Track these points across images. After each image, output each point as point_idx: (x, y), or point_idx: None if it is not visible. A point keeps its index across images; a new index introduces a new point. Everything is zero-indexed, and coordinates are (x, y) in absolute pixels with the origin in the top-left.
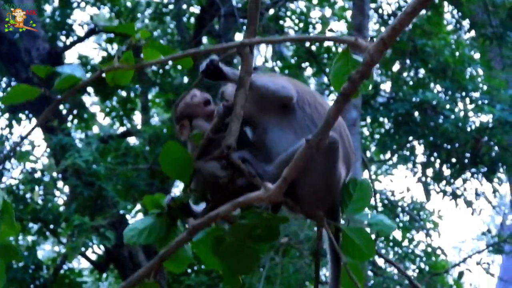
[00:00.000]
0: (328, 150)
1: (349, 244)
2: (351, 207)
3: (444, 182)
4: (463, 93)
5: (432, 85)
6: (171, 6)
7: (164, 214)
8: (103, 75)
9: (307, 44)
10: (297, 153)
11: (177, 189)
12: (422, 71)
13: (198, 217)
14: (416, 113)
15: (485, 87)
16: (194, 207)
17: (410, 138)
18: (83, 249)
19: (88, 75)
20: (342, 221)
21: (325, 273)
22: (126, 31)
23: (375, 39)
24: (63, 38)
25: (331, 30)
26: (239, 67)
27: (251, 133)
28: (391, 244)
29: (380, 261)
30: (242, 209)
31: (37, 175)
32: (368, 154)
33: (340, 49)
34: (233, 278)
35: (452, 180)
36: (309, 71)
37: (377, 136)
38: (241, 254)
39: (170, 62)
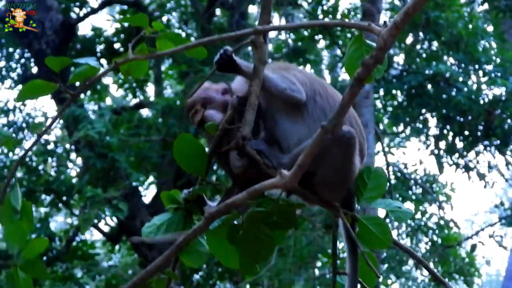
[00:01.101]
0: (346, 143)
1: (365, 232)
2: (366, 195)
3: (457, 154)
4: (476, 66)
5: (445, 57)
6: None
7: (181, 209)
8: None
9: (321, 15)
10: (312, 139)
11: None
12: (435, 44)
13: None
14: (429, 86)
15: (498, 60)
16: (209, 202)
17: (423, 110)
18: (95, 220)
19: (101, 46)
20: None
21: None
22: (139, 23)
23: (388, 23)
24: (76, 9)
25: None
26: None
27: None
28: None
29: (393, 233)
30: (257, 197)
31: (50, 146)
32: (381, 126)
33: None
34: (250, 265)
35: (464, 153)
36: (322, 43)
37: (390, 109)
38: (257, 242)
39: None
